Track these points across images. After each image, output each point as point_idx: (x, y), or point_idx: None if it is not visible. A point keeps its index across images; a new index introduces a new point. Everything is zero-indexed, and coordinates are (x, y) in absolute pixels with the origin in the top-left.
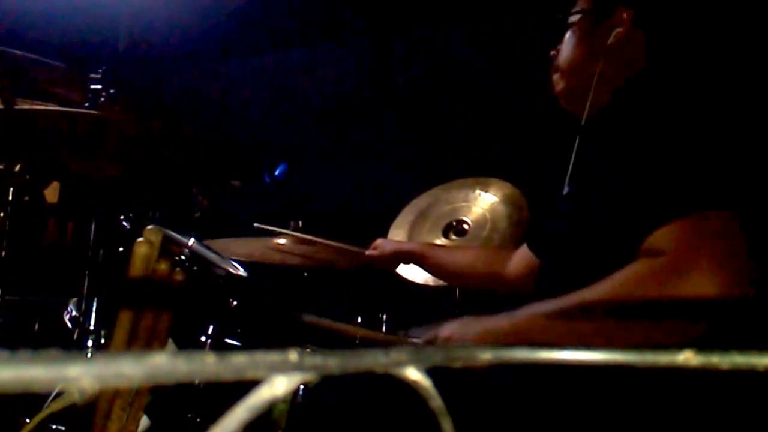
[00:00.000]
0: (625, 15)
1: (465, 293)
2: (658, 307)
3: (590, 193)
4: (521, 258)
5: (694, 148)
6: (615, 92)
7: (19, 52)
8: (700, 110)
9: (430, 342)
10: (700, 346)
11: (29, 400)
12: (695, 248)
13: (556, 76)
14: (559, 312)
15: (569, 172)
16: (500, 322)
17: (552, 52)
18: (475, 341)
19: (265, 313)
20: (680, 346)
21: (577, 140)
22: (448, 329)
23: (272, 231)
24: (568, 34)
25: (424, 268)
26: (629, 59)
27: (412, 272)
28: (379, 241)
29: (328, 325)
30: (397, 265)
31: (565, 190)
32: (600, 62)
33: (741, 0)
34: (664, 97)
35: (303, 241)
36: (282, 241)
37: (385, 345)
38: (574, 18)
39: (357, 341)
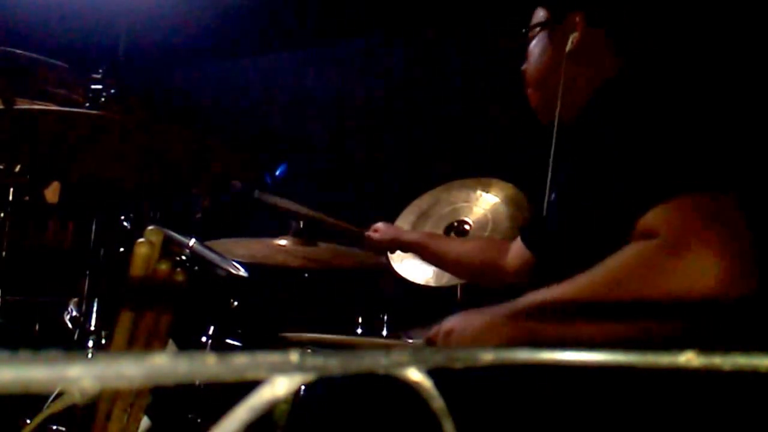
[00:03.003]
0: (576, 18)
1: (466, 293)
2: (653, 289)
3: (577, 191)
4: (518, 250)
5: (684, 131)
6: (595, 92)
7: (19, 52)
8: (685, 95)
9: (432, 338)
10: (702, 346)
11: (29, 400)
12: (689, 227)
13: (529, 91)
14: (557, 298)
15: (549, 179)
16: (500, 310)
17: (523, 68)
18: (475, 332)
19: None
20: (677, 334)
21: (552, 148)
22: (449, 323)
23: (274, 203)
24: (530, 48)
25: (422, 258)
26: (596, 60)
27: (412, 272)
28: (379, 225)
29: (316, 339)
30: (394, 251)
31: (550, 193)
32: (562, 70)
33: None
34: (649, 87)
35: (305, 217)
36: (283, 242)
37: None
38: (533, 32)
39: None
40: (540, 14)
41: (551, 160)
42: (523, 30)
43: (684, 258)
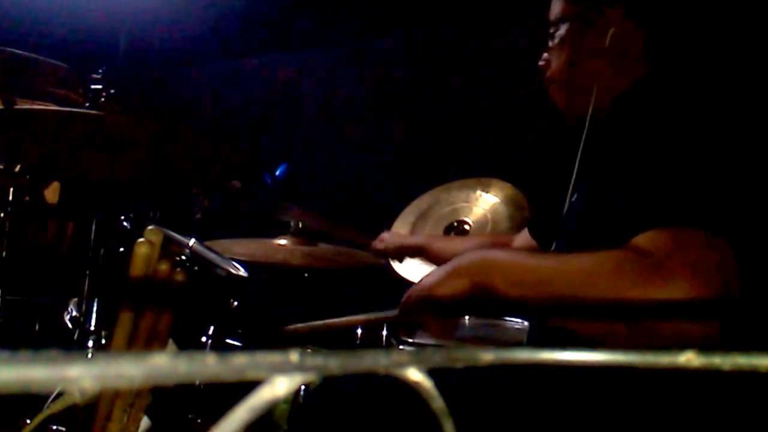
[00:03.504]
0: (616, 14)
1: None
2: (619, 295)
3: (598, 194)
4: (523, 242)
5: (703, 160)
6: (624, 93)
7: (19, 52)
8: (710, 116)
9: (406, 302)
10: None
11: (29, 400)
12: (681, 257)
13: (552, 88)
14: (533, 263)
15: (574, 174)
16: (463, 261)
17: (540, 63)
18: (435, 281)
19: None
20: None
21: (581, 145)
22: (417, 284)
23: (291, 214)
24: (556, 44)
25: (429, 260)
26: (628, 58)
27: (412, 272)
28: (384, 235)
29: (313, 328)
30: (402, 259)
31: (572, 191)
32: (598, 66)
33: None
34: (677, 98)
35: (315, 222)
36: (283, 241)
37: (365, 327)
38: (559, 28)
39: (357, 342)
40: (557, 8)
41: (578, 158)
42: (546, 28)
43: (667, 282)
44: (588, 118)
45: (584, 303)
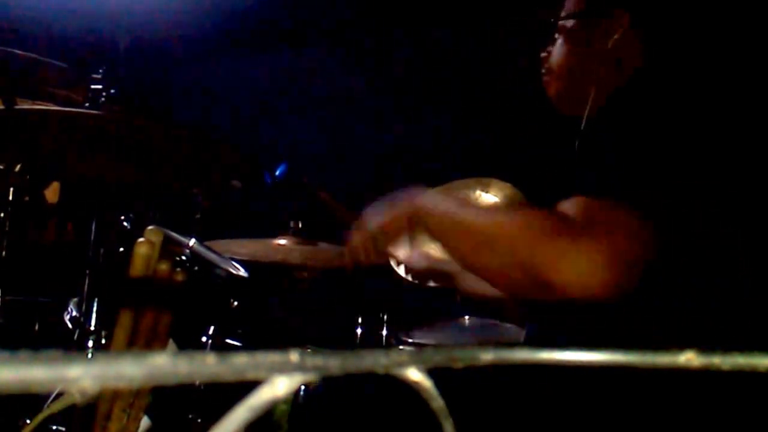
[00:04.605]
0: (622, 17)
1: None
2: (530, 251)
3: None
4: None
5: (663, 153)
6: (614, 93)
7: (19, 52)
8: (694, 115)
9: (353, 245)
10: (702, 347)
11: (29, 400)
12: (600, 226)
13: (548, 78)
14: (458, 212)
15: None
16: (403, 202)
17: (542, 54)
18: (384, 225)
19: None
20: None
21: (577, 143)
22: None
23: (321, 198)
24: (560, 37)
25: (450, 286)
26: (624, 60)
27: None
28: (413, 254)
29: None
30: (425, 282)
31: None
32: (598, 65)
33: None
34: (661, 99)
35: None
36: (283, 241)
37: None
38: (567, 21)
39: (357, 342)
40: (569, 4)
41: (577, 152)
42: (552, 19)
43: (574, 243)
44: (586, 113)
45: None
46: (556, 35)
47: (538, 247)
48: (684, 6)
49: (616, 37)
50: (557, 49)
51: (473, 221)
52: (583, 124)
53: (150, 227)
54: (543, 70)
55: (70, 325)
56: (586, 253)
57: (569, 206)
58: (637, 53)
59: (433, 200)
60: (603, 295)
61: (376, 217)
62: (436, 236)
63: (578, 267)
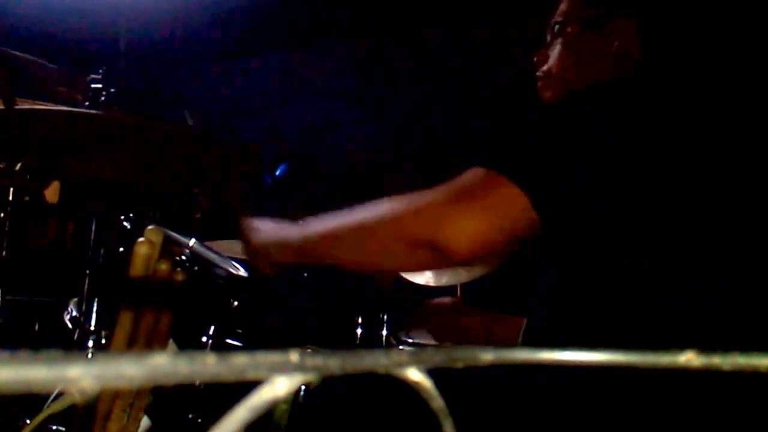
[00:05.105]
0: (626, 26)
1: (466, 293)
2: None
3: None
4: None
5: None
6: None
7: (19, 53)
8: (692, 114)
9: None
10: (701, 348)
11: (29, 400)
12: (483, 192)
13: (544, 83)
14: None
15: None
16: (293, 233)
17: (535, 57)
18: (265, 243)
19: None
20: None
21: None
22: (256, 222)
23: None
24: (559, 41)
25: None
26: (624, 66)
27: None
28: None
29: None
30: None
31: None
32: (596, 72)
33: (737, 10)
34: (658, 95)
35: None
36: None
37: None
38: (567, 26)
39: (357, 342)
40: (565, 6)
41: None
42: (554, 22)
43: (451, 205)
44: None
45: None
46: (549, 38)
47: (426, 211)
48: (689, 13)
49: (618, 44)
50: (557, 54)
51: (359, 214)
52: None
53: (150, 227)
54: (538, 74)
55: (70, 325)
56: (466, 213)
57: (463, 174)
58: (636, 56)
59: (314, 225)
60: (484, 258)
61: (263, 234)
62: (322, 254)
63: (461, 228)
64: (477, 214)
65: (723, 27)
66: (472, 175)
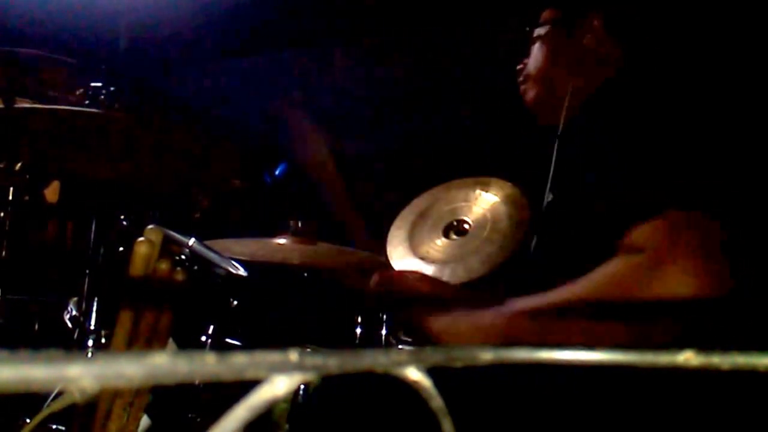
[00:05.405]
0: (595, 22)
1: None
2: (637, 304)
3: (575, 199)
4: None
5: (673, 149)
6: (588, 99)
7: (19, 51)
8: (677, 110)
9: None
10: (701, 346)
11: (29, 400)
12: (673, 245)
13: (524, 87)
14: (542, 310)
15: (549, 180)
16: (488, 319)
17: (519, 66)
18: (464, 337)
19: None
20: (665, 344)
21: (555, 148)
22: (438, 324)
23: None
24: (536, 45)
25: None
26: (599, 65)
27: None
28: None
29: None
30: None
31: (548, 197)
32: (574, 71)
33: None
34: (641, 99)
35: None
36: (283, 241)
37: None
38: (542, 30)
39: (357, 341)
40: (549, 14)
41: (553, 160)
42: (528, 28)
43: (667, 275)
44: (562, 120)
45: (609, 325)
46: (535, 45)
47: (641, 291)
48: (657, 7)
49: (589, 40)
50: (533, 56)
51: (573, 299)
52: (560, 126)
53: (150, 227)
54: (520, 80)
55: (70, 325)
56: (684, 278)
57: (638, 237)
58: (611, 58)
59: (516, 306)
60: (716, 289)
61: (458, 334)
62: (541, 339)
63: (680, 287)
64: (693, 268)
65: (697, 14)
66: (650, 232)
